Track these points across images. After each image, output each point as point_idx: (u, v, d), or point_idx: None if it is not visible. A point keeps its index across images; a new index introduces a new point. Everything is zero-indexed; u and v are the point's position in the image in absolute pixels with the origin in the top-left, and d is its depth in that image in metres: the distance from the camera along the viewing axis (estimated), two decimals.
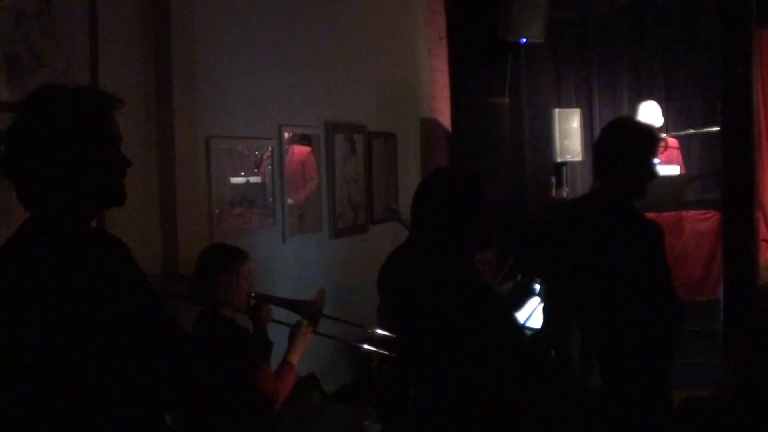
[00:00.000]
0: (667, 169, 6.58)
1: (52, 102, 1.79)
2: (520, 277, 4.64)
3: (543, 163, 7.70)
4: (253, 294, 3.37)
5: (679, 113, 8.07)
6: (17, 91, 3.07)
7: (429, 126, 7.12)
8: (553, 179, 7.69)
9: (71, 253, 1.74)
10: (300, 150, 5.12)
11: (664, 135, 6.61)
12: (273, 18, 4.84)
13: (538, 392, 2.10)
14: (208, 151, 4.22)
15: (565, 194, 7.68)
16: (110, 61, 3.55)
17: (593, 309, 3.09)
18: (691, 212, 6.54)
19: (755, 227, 4.73)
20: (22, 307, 1.69)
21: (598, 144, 3.21)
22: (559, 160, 7.65)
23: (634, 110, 7.48)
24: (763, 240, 6.55)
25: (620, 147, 3.08)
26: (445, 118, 7.43)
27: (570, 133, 7.64)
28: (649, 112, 7.01)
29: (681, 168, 7.07)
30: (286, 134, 4.93)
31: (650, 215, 3.54)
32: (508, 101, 7.26)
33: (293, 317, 3.50)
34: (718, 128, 5.28)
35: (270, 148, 4.78)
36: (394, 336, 3.59)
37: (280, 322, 3.47)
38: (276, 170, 4.83)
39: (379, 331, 3.81)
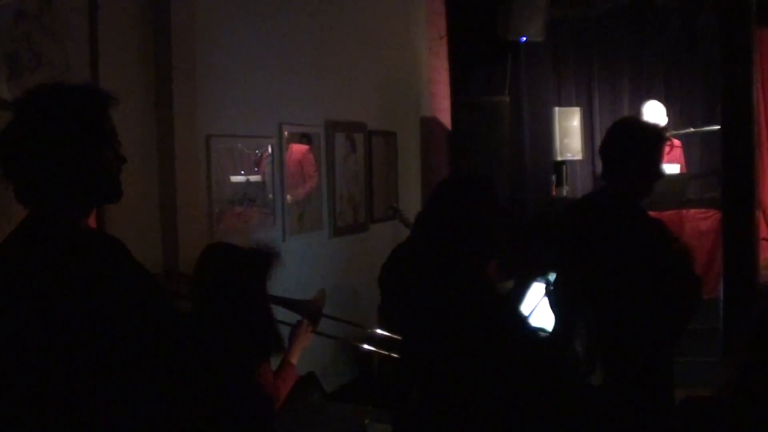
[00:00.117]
0: (668, 167, 6.58)
1: (48, 100, 1.80)
2: (520, 275, 4.63)
3: (543, 161, 7.70)
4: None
5: (679, 112, 8.06)
6: (17, 90, 3.06)
7: (429, 125, 7.12)
8: (553, 178, 7.69)
9: (70, 250, 1.75)
10: (298, 148, 5.12)
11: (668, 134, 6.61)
12: (273, 17, 4.84)
13: (551, 395, 2.09)
14: (208, 150, 4.22)
15: (565, 193, 7.68)
16: (110, 60, 3.55)
17: (599, 307, 3.09)
18: (692, 211, 6.53)
19: (755, 226, 4.72)
20: (22, 304, 1.70)
21: (604, 144, 3.20)
22: (559, 158, 7.65)
23: (634, 109, 7.48)
24: (763, 239, 6.55)
25: (627, 147, 3.08)
26: (445, 117, 7.43)
27: (570, 132, 7.64)
28: (654, 112, 7.01)
29: (681, 167, 7.07)
30: (286, 133, 4.93)
31: (651, 214, 3.54)
32: (508, 100, 7.26)
33: (293, 316, 3.50)
34: (718, 127, 5.28)
35: (270, 147, 4.78)
36: (394, 336, 3.60)
37: (281, 322, 3.47)
38: (276, 169, 4.83)
39: (379, 330, 3.81)
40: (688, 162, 7.48)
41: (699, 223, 6.49)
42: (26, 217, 1.80)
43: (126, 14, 3.72)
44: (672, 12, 7.92)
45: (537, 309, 3.82)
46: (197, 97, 4.06)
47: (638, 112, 7.08)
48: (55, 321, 1.68)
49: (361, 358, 5.06)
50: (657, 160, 3.13)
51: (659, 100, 7.38)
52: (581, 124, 7.73)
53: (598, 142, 8.01)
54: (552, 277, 3.75)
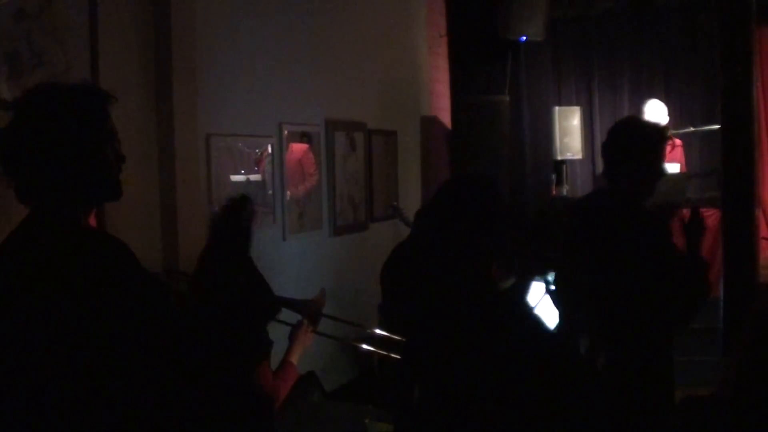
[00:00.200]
0: (668, 167, 6.57)
1: (49, 99, 1.81)
2: (521, 274, 4.63)
3: (543, 160, 7.70)
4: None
5: (679, 111, 8.06)
6: (17, 89, 3.06)
7: (429, 124, 7.12)
8: (553, 177, 7.69)
9: (71, 248, 1.75)
10: (298, 147, 5.12)
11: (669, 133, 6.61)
12: (273, 16, 4.84)
13: (561, 396, 2.08)
14: (208, 149, 4.22)
15: (565, 192, 7.68)
16: (110, 59, 3.55)
17: (602, 305, 3.08)
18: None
19: (755, 225, 4.73)
20: (23, 302, 1.71)
21: (606, 144, 3.21)
22: (559, 157, 7.66)
23: (634, 108, 7.48)
24: (763, 238, 6.54)
25: (629, 146, 3.09)
26: (445, 116, 7.43)
27: (570, 131, 7.65)
28: (655, 111, 7.01)
29: (682, 166, 7.07)
30: (286, 132, 4.93)
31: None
32: (508, 99, 7.25)
33: (293, 316, 3.50)
34: (718, 126, 5.28)
35: (270, 146, 4.78)
36: (394, 337, 3.60)
37: (280, 321, 3.47)
38: (276, 168, 4.83)
39: (378, 331, 3.80)
40: (688, 161, 7.49)
41: None
42: (27, 216, 1.81)
43: (126, 14, 3.72)
44: (672, 11, 7.93)
45: (538, 307, 3.82)
46: (197, 97, 4.06)
47: (639, 111, 7.08)
48: (57, 319, 1.69)
49: (361, 357, 5.06)
50: (659, 160, 3.14)
51: (659, 99, 7.38)
52: (581, 124, 7.73)
53: (598, 141, 8.08)
54: (551, 275, 3.76)
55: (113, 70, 3.53)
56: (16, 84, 3.08)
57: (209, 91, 4.19)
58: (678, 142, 7.16)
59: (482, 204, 2.20)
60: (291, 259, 4.97)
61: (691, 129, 7.40)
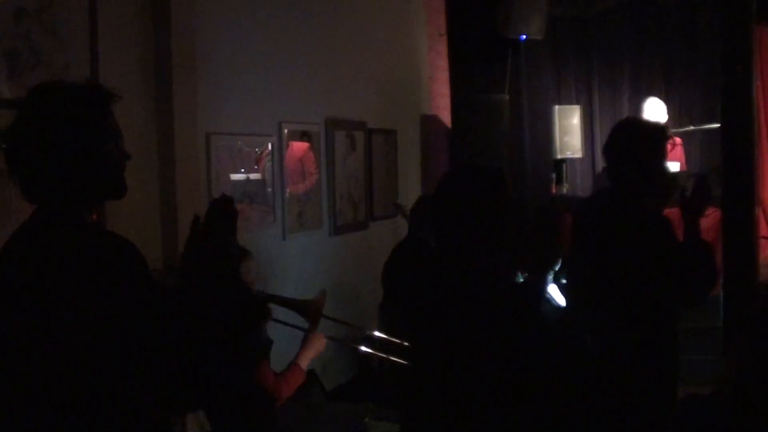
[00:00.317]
0: (669, 165, 6.57)
1: (53, 97, 1.83)
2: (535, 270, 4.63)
3: (543, 159, 7.70)
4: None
5: (679, 110, 8.05)
6: (17, 88, 3.07)
7: (429, 123, 7.12)
8: (553, 176, 7.69)
9: (76, 245, 1.77)
10: (299, 146, 5.12)
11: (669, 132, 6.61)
12: (273, 15, 4.84)
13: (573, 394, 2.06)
14: (208, 148, 4.22)
15: (565, 191, 7.68)
16: (110, 57, 3.55)
17: (608, 304, 3.09)
18: None
19: (755, 224, 4.72)
20: (28, 298, 1.72)
21: (608, 144, 3.22)
22: (559, 156, 7.65)
23: (634, 107, 7.47)
24: (763, 237, 6.54)
25: (631, 147, 3.10)
26: (445, 115, 7.43)
27: (570, 130, 7.64)
28: (654, 109, 7.01)
29: (682, 164, 7.07)
30: (285, 131, 4.93)
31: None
32: (508, 98, 7.25)
33: (294, 316, 3.50)
34: (718, 125, 5.28)
35: (270, 145, 4.78)
36: (393, 340, 3.59)
37: (280, 321, 3.47)
38: (276, 167, 4.83)
39: (377, 333, 3.80)
40: (687, 160, 7.49)
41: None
42: (33, 213, 1.83)
43: (126, 11, 3.72)
44: (672, 10, 7.93)
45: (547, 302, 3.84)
46: (197, 95, 4.06)
47: (638, 110, 7.08)
48: (59, 316, 1.70)
49: (360, 356, 5.06)
50: (661, 159, 3.15)
51: (659, 98, 7.38)
52: (581, 122, 7.73)
53: (598, 140, 8.08)
54: (557, 272, 3.78)
55: (113, 69, 3.53)
56: (16, 83, 3.08)
57: (209, 90, 4.19)
58: (678, 140, 7.15)
59: (487, 197, 2.14)
60: (291, 259, 4.97)
61: (691, 127, 7.40)
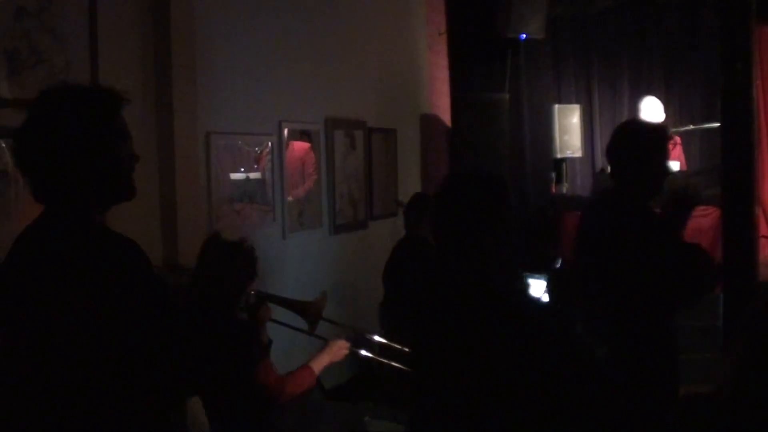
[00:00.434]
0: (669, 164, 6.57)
1: (64, 99, 1.85)
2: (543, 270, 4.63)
3: (543, 159, 7.70)
4: (253, 291, 3.37)
5: (678, 109, 8.06)
6: (17, 87, 3.07)
7: (429, 122, 7.12)
8: (553, 175, 7.69)
9: (83, 247, 1.78)
10: (300, 146, 5.12)
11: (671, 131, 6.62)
12: (273, 14, 4.84)
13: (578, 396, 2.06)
14: (207, 147, 4.22)
15: (564, 190, 7.69)
16: (110, 57, 3.55)
17: (609, 304, 3.09)
18: None
19: (755, 223, 4.72)
20: (35, 298, 1.74)
21: (610, 146, 3.23)
22: (558, 156, 7.66)
23: (634, 106, 7.48)
24: (763, 236, 6.55)
25: (632, 148, 3.11)
26: (445, 114, 7.43)
27: (570, 129, 7.65)
28: (651, 108, 7.01)
29: (681, 163, 7.08)
30: (285, 130, 4.93)
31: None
32: (507, 97, 7.25)
33: (294, 316, 3.50)
34: (717, 124, 5.28)
35: (270, 145, 4.78)
36: (394, 345, 3.60)
37: (281, 322, 3.47)
38: (276, 166, 4.83)
39: (377, 338, 3.80)
40: (687, 159, 7.49)
41: (698, 220, 6.48)
42: (42, 214, 1.84)
43: (126, 10, 3.72)
44: (672, 9, 7.93)
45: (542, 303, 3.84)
46: (197, 95, 4.06)
47: (635, 109, 7.09)
48: (66, 316, 1.72)
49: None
50: (663, 159, 3.17)
51: (659, 97, 7.39)
52: (581, 122, 7.74)
53: (598, 139, 8.08)
54: (552, 273, 3.77)
55: (113, 68, 3.53)
56: (16, 82, 3.08)
57: (209, 89, 4.19)
58: (677, 139, 7.16)
59: (488, 202, 2.14)
60: (291, 258, 4.97)
61: (691, 127, 7.41)
